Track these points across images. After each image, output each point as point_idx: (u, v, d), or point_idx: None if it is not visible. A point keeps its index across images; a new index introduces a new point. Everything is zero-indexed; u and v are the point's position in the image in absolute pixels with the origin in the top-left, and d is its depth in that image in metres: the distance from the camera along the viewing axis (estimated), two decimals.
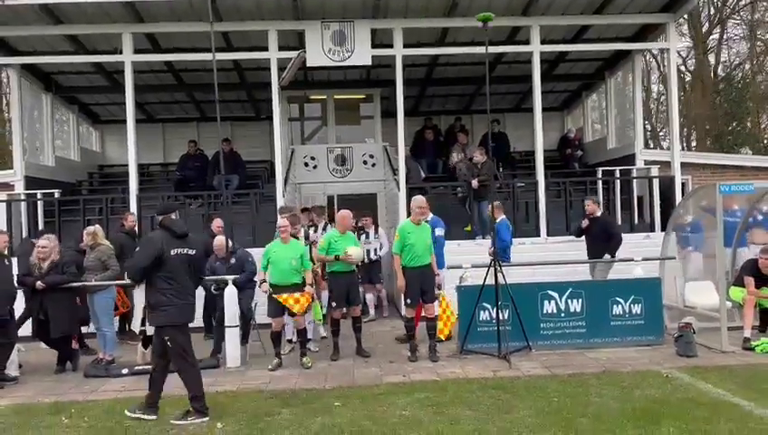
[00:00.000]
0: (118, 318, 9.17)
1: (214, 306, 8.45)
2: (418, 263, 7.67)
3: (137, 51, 11.00)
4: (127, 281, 8.31)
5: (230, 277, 8.06)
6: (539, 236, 11.10)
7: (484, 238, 10.57)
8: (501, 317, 7.70)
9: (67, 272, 7.93)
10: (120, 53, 10.84)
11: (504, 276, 7.76)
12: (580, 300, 8.14)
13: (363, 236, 10.49)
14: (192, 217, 11.51)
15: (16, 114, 11.74)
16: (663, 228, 10.36)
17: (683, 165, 12.02)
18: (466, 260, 8.49)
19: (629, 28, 12.12)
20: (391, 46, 11.11)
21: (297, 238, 8.39)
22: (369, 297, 10.66)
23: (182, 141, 14.57)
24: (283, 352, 8.05)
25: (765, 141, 27.07)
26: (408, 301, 7.74)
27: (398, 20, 10.95)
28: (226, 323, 7.92)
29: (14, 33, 10.84)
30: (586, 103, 15.88)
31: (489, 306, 7.93)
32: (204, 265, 7.47)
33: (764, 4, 27.63)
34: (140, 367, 7.86)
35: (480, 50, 9.49)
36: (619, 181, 11.91)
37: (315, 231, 10.25)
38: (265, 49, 11.01)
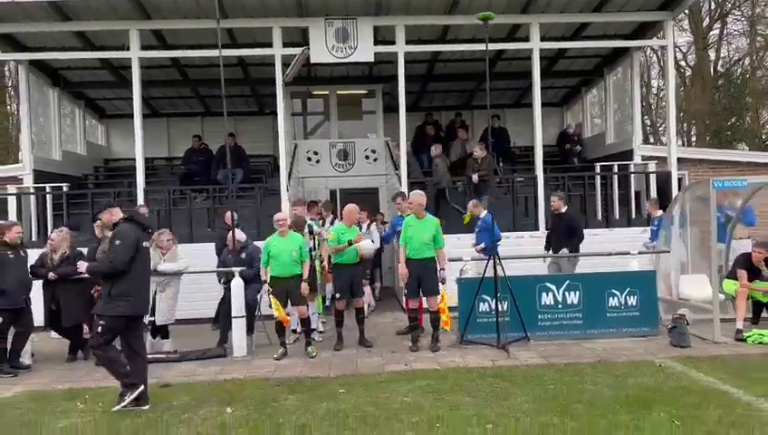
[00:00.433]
0: None
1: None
2: (415, 256, 7.90)
3: (143, 47, 11.19)
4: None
5: (237, 269, 8.27)
6: (538, 229, 11.30)
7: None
8: (500, 309, 7.92)
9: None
10: (128, 49, 11.03)
11: (503, 269, 7.99)
12: (577, 292, 8.37)
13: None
14: (197, 211, 11.74)
15: (25, 109, 11.96)
16: None
17: (680, 160, 12.23)
18: (466, 253, 8.70)
19: (628, 26, 12.31)
20: (393, 43, 11.31)
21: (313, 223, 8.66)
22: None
23: (186, 136, 14.79)
24: (288, 342, 8.28)
25: (764, 137, 27.22)
26: (406, 291, 7.97)
27: (401, 17, 11.15)
28: (233, 315, 8.13)
29: (23, 29, 11.05)
30: (585, 99, 16.07)
31: (488, 298, 8.16)
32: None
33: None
34: (149, 356, 8.07)
35: (480, 47, 9.70)
36: (616, 176, 12.11)
37: (323, 225, 10.46)
38: (270, 45, 11.20)
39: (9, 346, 7.60)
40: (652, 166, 12.01)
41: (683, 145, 28.13)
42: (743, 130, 26.10)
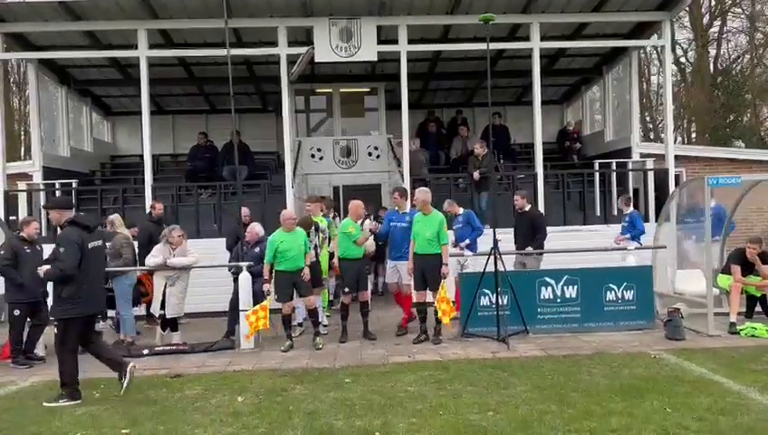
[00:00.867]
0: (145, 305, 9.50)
1: None
2: (420, 251, 8.17)
3: (150, 46, 11.41)
4: (144, 268, 8.89)
5: (245, 264, 8.51)
6: None
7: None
8: (500, 303, 8.15)
9: None
10: (136, 48, 11.25)
11: (503, 264, 8.22)
12: (575, 287, 8.60)
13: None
14: (204, 207, 11.98)
15: (34, 107, 12.20)
16: (657, 219, 10.80)
17: (677, 158, 12.46)
18: (467, 249, 8.93)
19: (626, 25, 12.51)
20: (396, 42, 11.52)
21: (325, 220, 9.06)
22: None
23: (191, 133, 15.00)
24: (294, 335, 8.52)
25: (762, 134, 27.39)
26: (412, 284, 8.25)
27: (403, 17, 11.37)
28: (240, 308, 8.37)
29: (33, 28, 11.28)
30: (585, 97, 16.27)
31: (489, 292, 8.38)
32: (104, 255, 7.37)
33: None
34: (159, 348, 8.35)
35: (482, 46, 9.89)
36: (615, 173, 12.34)
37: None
38: (275, 45, 11.42)
39: (25, 338, 7.86)
40: (650, 163, 12.24)
41: (683, 142, 28.36)
42: (741, 128, 26.28)
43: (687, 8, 26.54)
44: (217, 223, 11.70)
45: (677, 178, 12.42)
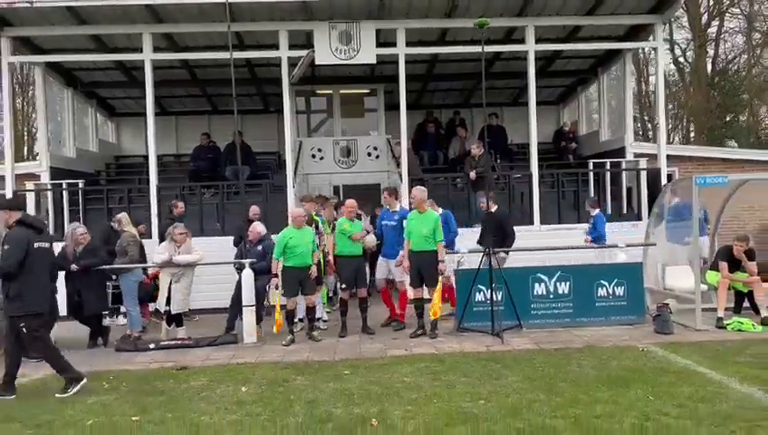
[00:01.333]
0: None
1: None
2: (416, 248, 8.45)
3: (155, 49, 11.68)
4: (150, 264, 9.18)
5: (247, 261, 8.79)
6: (533, 224, 11.80)
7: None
8: (495, 298, 8.42)
9: (98, 256, 8.71)
10: (141, 51, 11.51)
11: (497, 261, 8.50)
12: (567, 283, 8.88)
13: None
14: (207, 206, 12.25)
15: (42, 109, 12.49)
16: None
17: (671, 157, 12.72)
18: (463, 246, 9.20)
19: (620, 28, 12.77)
20: (395, 45, 11.78)
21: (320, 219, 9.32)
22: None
23: (194, 133, 15.28)
24: (295, 330, 8.80)
25: (759, 133, 27.60)
26: (408, 281, 8.53)
27: (401, 20, 11.63)
28: (243, 303, 8.64)
29: (41, 32, 11.55)
30: (581, 98, 16.52)
31: (484, 288, 8.65)
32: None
33: None
34: (165, 342, 8.63)
35: (478, 49, 10.12)
36: (609, 173, 12.61)
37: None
38: (276, 47, 11.68)
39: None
40: (643, 163, 12.49)
41: (682, 141, 28.60)
42: (738, 128, 26.51)
43: (684, 8, 26.92)
44: (220, 222, 11.97)
45: (670, 177, 12.67)
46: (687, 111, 28.50)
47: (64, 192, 12.15)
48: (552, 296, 8.87)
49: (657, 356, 7.06)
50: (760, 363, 6.52)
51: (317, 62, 11.74)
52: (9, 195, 11.37)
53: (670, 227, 9.88)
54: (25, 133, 28.17)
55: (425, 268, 8.41)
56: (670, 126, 32.89)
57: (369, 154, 14.54)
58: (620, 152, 13.15)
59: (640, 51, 24.48)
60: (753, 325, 8.30)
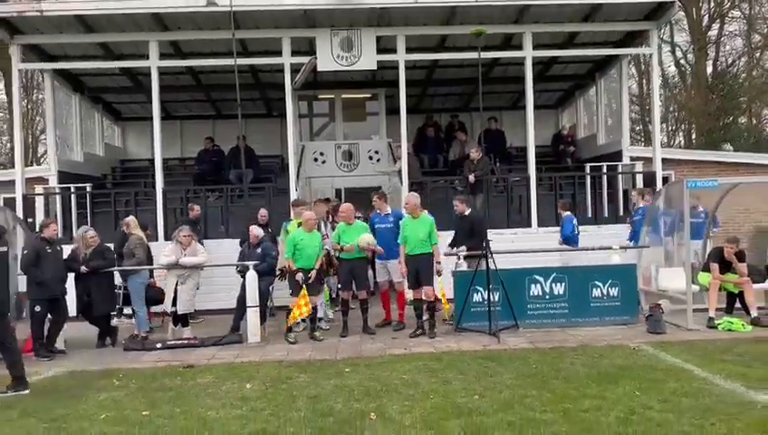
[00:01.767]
0: None
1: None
2: (412, 252, 8.70)
3: (161, 56, 11.97)
4: (157, 266, 9.45)
5: (251, 263, 9.05)
6: (530, 226, 12.04)
7: None
8: (492, 299, 8.65)
9: (107, 258, 8.99)
10: (147, 58, 11.80)
11: (494, 263, 8.74)
12: (563, 284, 9.13)
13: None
14: (211, 210, 12.52)
15: (50, 114, 12.79)
16: None
17: (666, 160, 12.97)
18: (462, 248, 9.45)
19: (616, 34, 13.00)
20: (395, 51, 12.04)
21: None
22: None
23: (198, 137, 15.56)
24: (297, 330, 9.06)
25: (758, 136, 27.77)
26: (407, 284, 8.79)
27: (401, 28, 11.90)
28: (247, 304, 8.90)
29: (50, 40, 11.87)
30: (579, 102, 16.76)
31: (481, 289, 8.89)
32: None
33: None
34: (171, 342, 8.89)
35: (476, 55, 10.43)
36: (605, 176, 12.86)
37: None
38: (279, 54, 11.95)
39: (46, 332, 8.43)
40: (639, 166, 12.74)
41: (684, 144, 28.79)
42: (736, 130, 26.69)
43: (684, 12, 27.14)
44: (224, 225, 12.23)
45: (666, 180, 12.91)
46: (688, 114, 28.67)
47: (72, 196, 12.43)
48: (547, 297, 9.11)
49: (648, 354, 7.30)
50: (745, 361, 6.77)
51: (319, 69, 12.02)
52: (19, 198, 11.67)
53: (640, 231, 10.20)
54: (30, 136, 28.43)
55: (422, 269, 8.65)
56: (673, 127, 33.13)
57: (371, 157, 14.80)
58: (618, 156, 13.40)
59: (638, 56, 24.63)
60: (742, 325, 8.53)
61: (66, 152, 13.91)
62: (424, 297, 8.72)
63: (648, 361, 7.00)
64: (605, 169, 12.98)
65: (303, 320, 9.47)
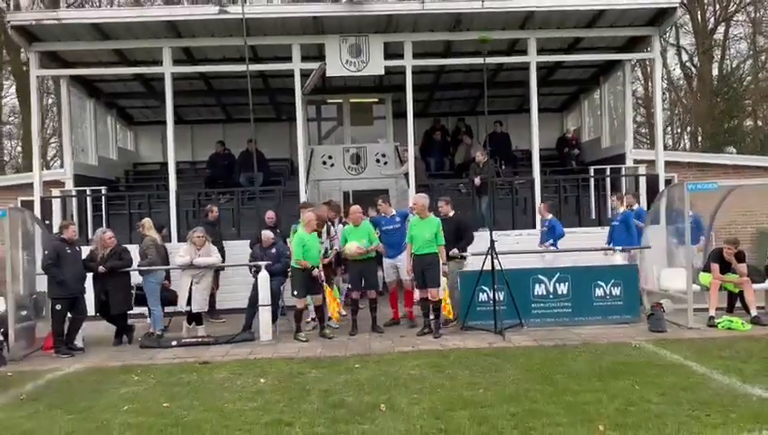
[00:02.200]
0: None
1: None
2: (419, 252, 8.93)
3: (174, 62, 12.28)
4: (172, 266, 9.73)
5: (263, 263, 9.31)
6: (534, 228, 12.25)
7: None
8: (497, 298, 8.91)
9: (124, 258, 9.28)
10: (160, 64, 12.11)
11: (500, 263, 8.99)
12: (566, 283, 9.35)
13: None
14: (223, 212, 12.76)
15: (66, 119, 13.11)
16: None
17: (671, 164, 13.17)
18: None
19: (620, 39, 13.23)
20: (402, 57, 12.31)
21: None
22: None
23: (209, 141, 15.85)
24: (307, 329, 9.34)
25: (763, 139, 27.89)
26: (414, 283, 9.10)
27: (408, 34, 12.18)
28: (259, 303, 9.15)
29: (67, 47, 12.19)
30: (583, 105, 16.98)
31: (487, 289, 9.12)
32: None
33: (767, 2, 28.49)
34: (186, 339, 9.17)
35: (481, 60, 10.67)
36: (609, 178, 13.08)
37: (334, 225, 11.43)
38: (289, 60, 12.25)
39: (66, 330, 8.73)
40: (642, 169, 12.94)
41: (690, 146, 28.92)
42: (741, 134, 26.82)
43: (689, 15, 27.35)
44: (236, 226, 12.51)
45: (669, 182, 13.10)
46: (696, 116, 28.81)
47: (88, 198, 12.75)
48: (551, 296, 9.34)
49: (648, 351, 7.53)
50: (743, 358, 6.99)
51: (328, 74, 12.29)
52: (37, 201, 11.99)
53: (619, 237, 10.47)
54: (41, 139, 28.81)
55: (428, 270, 8.89)
56: (679, 130, 33.30)
57: (378, 161, 15.05)
58: (622, 158, 13.59)
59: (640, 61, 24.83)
60: (742, 324, 8.74)
61: (81, 156, 14.23)
62: (430, 297, 8.96)
63: (649, 357, 7.23)
64: (608, 172, 13.17)
65: (313, 319, 9.78)
